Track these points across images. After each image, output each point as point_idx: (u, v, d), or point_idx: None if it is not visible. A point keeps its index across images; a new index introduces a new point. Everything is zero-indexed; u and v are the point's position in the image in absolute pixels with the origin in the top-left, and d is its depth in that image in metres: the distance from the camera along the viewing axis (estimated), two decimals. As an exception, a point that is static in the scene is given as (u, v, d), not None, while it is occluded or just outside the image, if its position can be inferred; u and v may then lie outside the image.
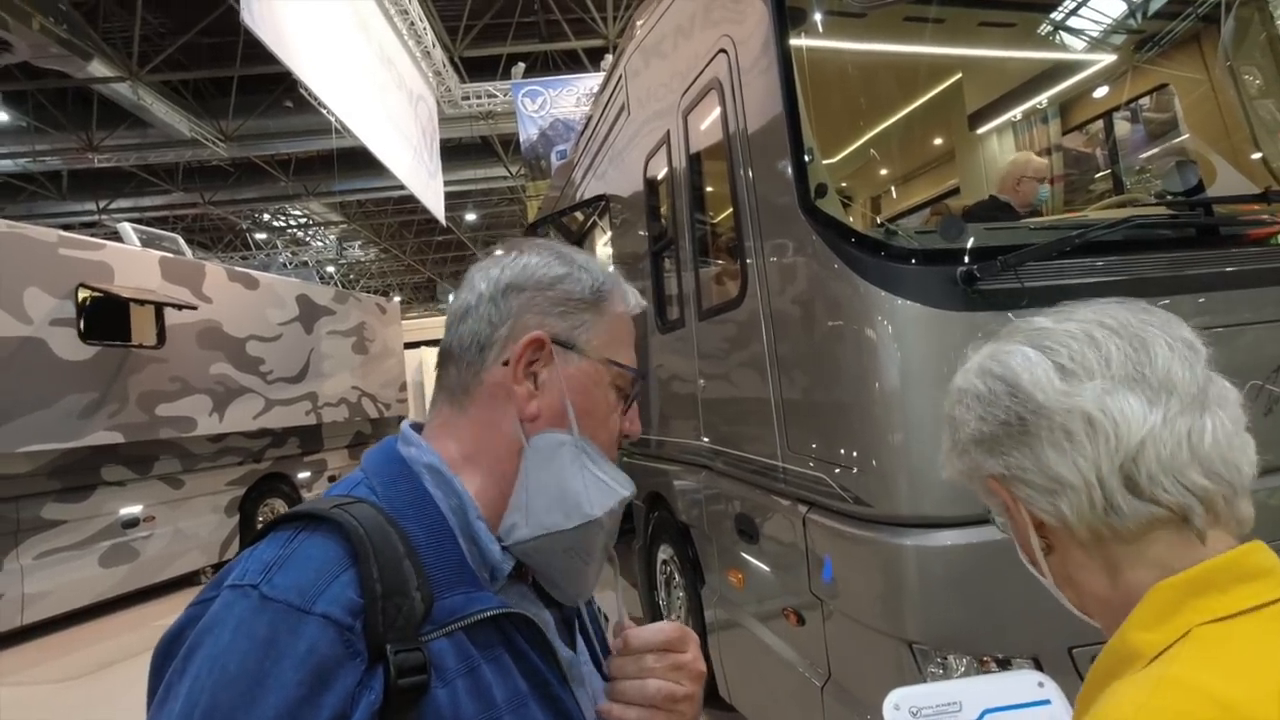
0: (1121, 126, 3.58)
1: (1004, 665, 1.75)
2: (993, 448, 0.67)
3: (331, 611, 0.57)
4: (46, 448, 5.75)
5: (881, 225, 2.17)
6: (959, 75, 3.73)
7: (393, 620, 0.58)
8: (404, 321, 12.43)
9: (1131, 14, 3.04)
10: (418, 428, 0.76)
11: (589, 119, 5.59)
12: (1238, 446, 0.61)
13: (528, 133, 11.60)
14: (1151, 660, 0.56)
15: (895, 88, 3.50)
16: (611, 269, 0.81)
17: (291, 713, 0.53)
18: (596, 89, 6.35)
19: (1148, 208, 2.49)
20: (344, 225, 19.51)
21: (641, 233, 3.89)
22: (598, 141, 4.95)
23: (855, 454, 1.97)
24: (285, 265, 21.64)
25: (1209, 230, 2.24)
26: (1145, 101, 3.38)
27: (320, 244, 22.42)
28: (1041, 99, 3.69)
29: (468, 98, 12.48)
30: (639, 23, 3.82)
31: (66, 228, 9.89)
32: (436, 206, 12.02)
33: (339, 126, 8.50)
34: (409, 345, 13.18)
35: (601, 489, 0.71)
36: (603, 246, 5.06)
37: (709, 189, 3.09)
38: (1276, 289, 2.05)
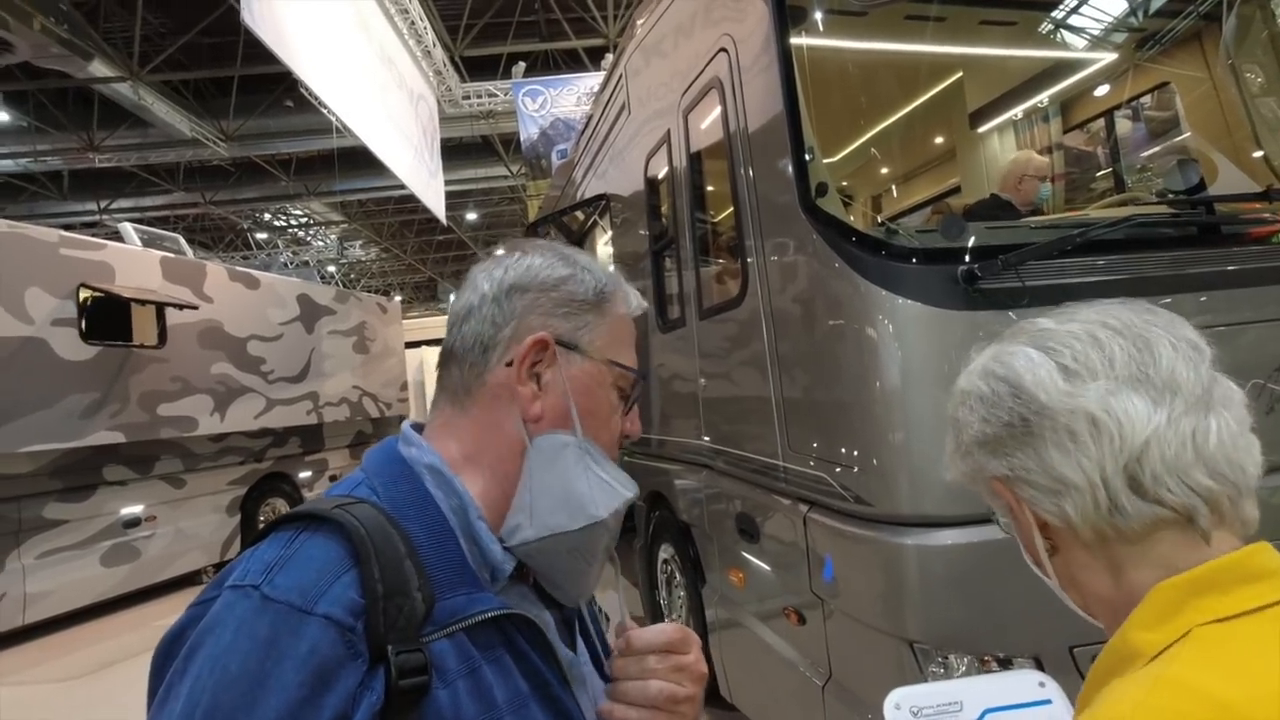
0: (1123, 125, 3.58)
1: (1005, 665, 1.75)
2: (996, 449, 0.67)
3: (333, 612, 0.57)
4: (48, 448, 5.76)
5: (882, 224, 2.17)
6: (960, 74, 3.73)
7: (394, 621, 0.58)
8: (405, 321, 12.43)
9: (1133, 12, 3.04)
10: (418, 428, 0.76)
11: (589, 118, 5.59)
12: (1243, 447, 0.60)
13: (528, 132, 11.60)
14: (1151, 659, 0.56)
15: (896, 86, 3.50)
16: (612, 269, 0.81)
17: (293, 714, 0.53)
18: (597, 88, 6.34)
19: (1149, 206, 2.49)
20: (345, 225, 19.53)
21: (642, 232, 3.89)
22: (598, 141, 4.95)
23: (856, 453, 1.97)
24: (286, 265, 21.65)
25: (1210, 229, 2.24)
26: (1146, 100, 3.37)
27: (321, 244, 22.44)
28: (1043, 97, 3.68)
29: (468, 97, 12.49)
30: (639, 22, 3.82)
31: (68, 228, 9.90)
32: (437, 206, 12.02)
33: (339, 126, 8.51)
34: (410, 345, 13.19)
35: (606, 490, 0.71)
36: (603, 246, 5.06)
37: (710, 188, 3.09)
38: (1278, 287, 2.04)
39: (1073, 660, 1.70)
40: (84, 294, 6.09)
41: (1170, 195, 2.53)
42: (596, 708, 0.72)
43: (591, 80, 10.94)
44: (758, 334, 2.47)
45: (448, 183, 13.06)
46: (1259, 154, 2.67)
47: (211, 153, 12.42)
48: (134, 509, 6.65)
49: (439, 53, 11.28)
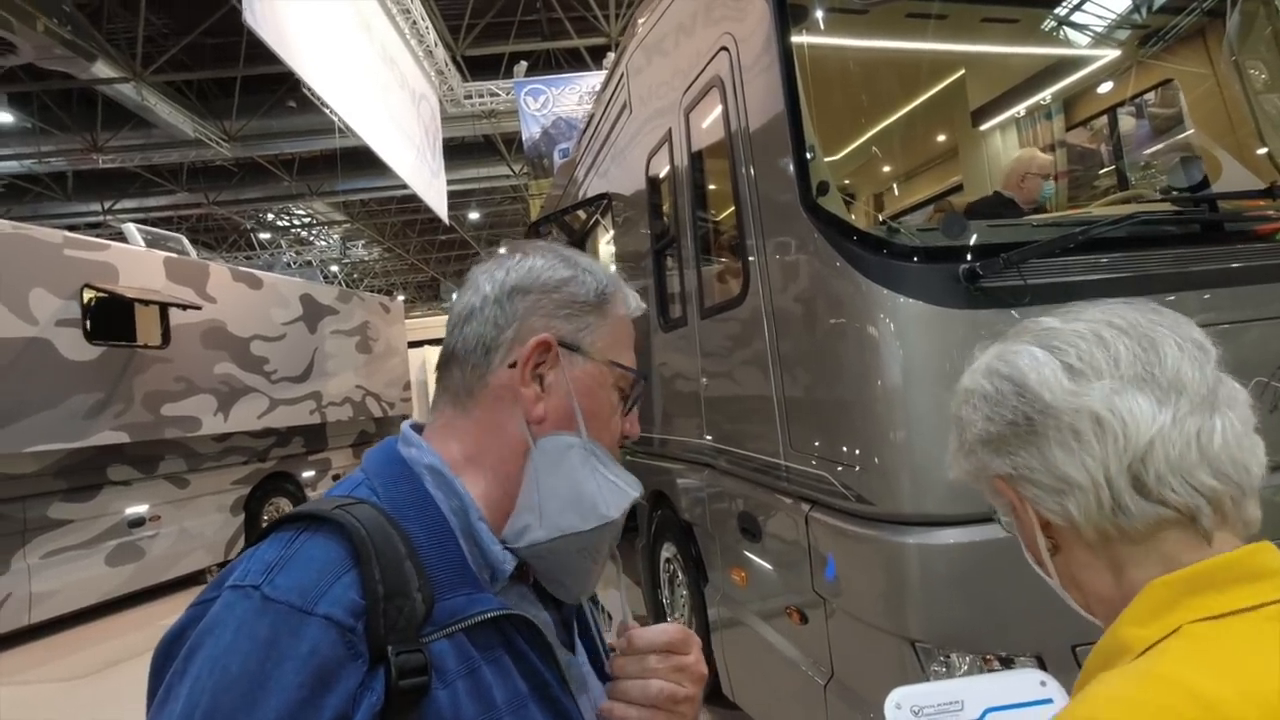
0: (1126, 122, 3.57)
1: (1007, 664, 1.74)
2: (1000, 448, 0.66)
3: (333, 613, 0.57)
4: (52, 448, 5.77)
5: (884, 223, 2.17)
6: (962, 71, 3.72)
7: (394, 621, 0.58)
8: (408, 320, 12.45)
9: (1136, 9, 3.03)
10: (418, 429, 0.76)
11: (591, 117, 5.59)
12: (1247, 447, 0.60)
13: (530, 131, 11.60)
14: (1139, 654, 0.56)
15: (898, 84, 3.49)
16: (613, 269, 0.82)
17: (293, 714, 0.53)
18: (598, 87, 6.34)
19: (1152, 204, 2.48)
20: (347, 225, 19.56)
21: (644, 231, 3.89)
22: (600, 140, 4.94)
23: (858, 452, 1.97)
24: (289, 265, 21.71)
25: (1214, 226, 2.23)
26: (1150, 97, 3.36)
27: (324, 243, 22.48)
28: (1045, 95, 3.67)
29: (470, 97, 12.49)
30: (641, 21, 3.81)
31: (72, 229, 9.90)
32: (439, 206, 12.02)
33: (342, 126, 8.51)
34: (413, 344, 13.20)
35: (615, 490, 0.72)
36: (605, 245, 5.06)
37: (711, 187, 3.08)
38: (1282, 285, 2.03)
39: (1075, 659, 1.69)
40: (88, 295, 6.11)
41: (1174, 193, 2.52)
42: (596, 707, 0.72)
43: (593, 79, 10.93)
44: (759, 333, 2.47)
45: (450, 182, 13.06)
46: (1263, 151, 2.65)
47: (215, 153, 12.44)
48: (138, 509, 6.67)
49: (441, 52, 11.28)
